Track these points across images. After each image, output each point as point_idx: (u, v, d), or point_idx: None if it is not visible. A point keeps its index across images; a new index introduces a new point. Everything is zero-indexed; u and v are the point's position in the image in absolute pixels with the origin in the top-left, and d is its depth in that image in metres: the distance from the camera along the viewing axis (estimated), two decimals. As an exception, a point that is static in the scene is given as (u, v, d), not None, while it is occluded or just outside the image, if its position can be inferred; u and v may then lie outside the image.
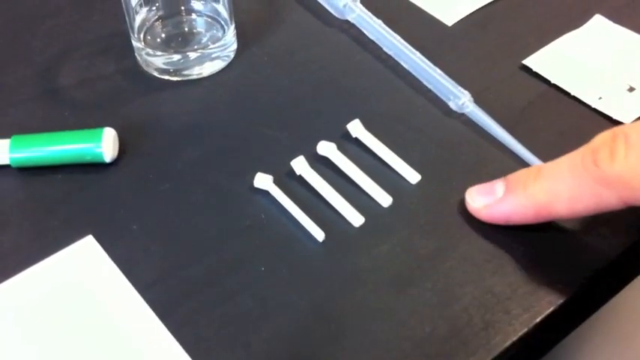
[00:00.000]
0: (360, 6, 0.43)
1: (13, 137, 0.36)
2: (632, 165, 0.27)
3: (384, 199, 0.34)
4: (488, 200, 0.32)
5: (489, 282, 0.31)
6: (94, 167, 0.36)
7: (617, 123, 0.37)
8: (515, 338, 0.29)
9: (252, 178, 0.35)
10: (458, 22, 0.43)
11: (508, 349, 0.29)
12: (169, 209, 0.34)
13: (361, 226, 0.33)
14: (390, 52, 0.41)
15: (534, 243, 0.32)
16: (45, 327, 0.30)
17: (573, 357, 0.49)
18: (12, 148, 0.36)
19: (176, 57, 0.41)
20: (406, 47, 0.40)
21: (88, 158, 0.36)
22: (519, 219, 0.31)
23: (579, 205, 0.29)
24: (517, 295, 0.31)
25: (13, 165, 0.36)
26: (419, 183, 0.35)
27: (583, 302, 0.32)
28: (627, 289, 0.35)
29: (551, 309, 0.30)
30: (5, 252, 0.33)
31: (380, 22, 0.42)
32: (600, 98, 0.38)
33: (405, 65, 0.41)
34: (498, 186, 0.32)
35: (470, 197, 0.33)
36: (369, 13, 0.42)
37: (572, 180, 0.29)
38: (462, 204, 0.34)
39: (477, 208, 0.32)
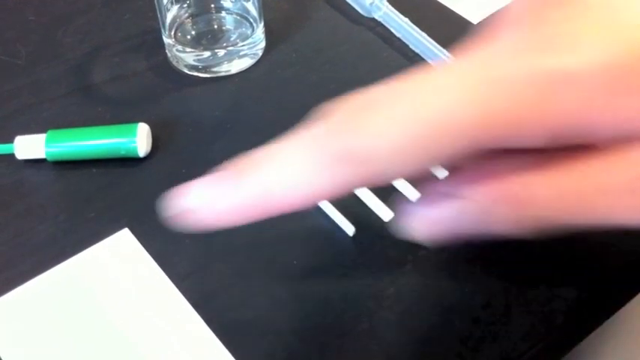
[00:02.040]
0: (387, 4, 0.43)
1: (49, 132, 0.37)
2: (371, 135, 0.20)
3: (413, 194, 0.35)
4: (199, 199, 0.24)
5: (520, 281, 0.32)
6: (128, 162, 0.37)
7: None
8: (540, 345, 0.30)
9: (283, 173, 0.36)
10: (484, 19, 0.44)
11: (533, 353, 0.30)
12: (202, 203, 0.35)
13: (391, 221, 0.34)
14: (416, 50, 0.42)
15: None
16: (82, 317, 0.31)
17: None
18: (48, 143, 0.37)
19: (206, 54, 0.42)
20: (433, 45, 0.41)
21: (123, 153, 0.37)
22: (237, 219, 0.23)
23: (308, 191, 0.22)
24: (539, 305, 0.31)
25: (49, 159, 0.37)
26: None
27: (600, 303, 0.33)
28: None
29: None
30: (42, 244, 0.34)
31: (406, 19, 0.42)
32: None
33: (431, 62, 0.41)
34: (212, 180, 0.24)
35: (177, 198, 0.24)
36: (396, 11, 0.43)
37: (299, 161, 0.22)
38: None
39: (181, 212, 0.23)
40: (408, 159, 0.20)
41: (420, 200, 0.23)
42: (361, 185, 0.22)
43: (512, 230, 0.22)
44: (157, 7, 0.41)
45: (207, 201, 0.23)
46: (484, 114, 0.19)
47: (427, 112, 0.19)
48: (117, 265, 0.33)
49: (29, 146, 0.37)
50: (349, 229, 0.33)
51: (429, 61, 0.41)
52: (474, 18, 0.44)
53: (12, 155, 0.37)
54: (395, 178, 0.22)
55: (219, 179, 0.23)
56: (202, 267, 0.33)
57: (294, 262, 0.33)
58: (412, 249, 0.33)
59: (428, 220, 0.23)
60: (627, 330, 0.48)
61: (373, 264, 0.32)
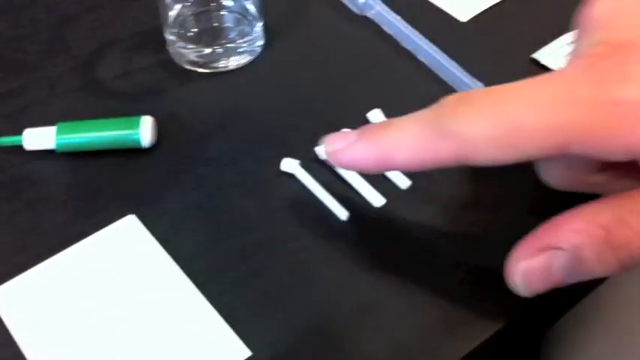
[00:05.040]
0: (379, 2, 0.45)
1: (58, 124, 0.39)
2: (471, 123, 0.27)
3: (403, 182, 0.37)
4: (340, 145, 0.31)
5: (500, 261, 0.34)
6: (133, 152, 0.39)
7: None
8: (522, 310, 0.32)
9: (280, 162, 0.38)
10: (472, 18, 0.46)
11: (514, 320, 0.32)
12: (205, 191, 0.37)
13: (382, 206, 0.36)
14: (407, 47, 0.44)
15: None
16: (91, 297, 0.33)
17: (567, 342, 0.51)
18: (58, 134, 0.39)
19: (206, 50, 0.44)
20: (423, 41, 0.43)
21: (129, 144, 0.39)
22: (362, 165, 0.31)
23: (417, 156, 0.28)
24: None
25: (59, 150, 0.39)
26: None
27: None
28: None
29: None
30: (53, 230, 0.36)
31: (398, 17, 0.44)
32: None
33: (422, 59, 0.43)
34: (354, 133, 0.31)
35: (327, 141, 0.31)
36: (388, 9, 0.45)
37: (415, 131, 0.28)
38: (476, 189, 0.36)
39: (329, 152, 0.31)
40: (497, 149, 0.26)
41: (517, 252, 0.28)
42: (458, 163, 0.27)
43: (610, 272, 0.26)
44: (160, 5, 0.43)
45: (344, 149, 0.30)
46: (569, 125, 0.25)
47: (517, 116, 0.26)
48: (123, 248, 0.35)
49: (39, 138, 0.39)
50: (343, 213, 0.36)
51: (419, 57, 0.43)
52: (462, 16, 0.46)
53: (22, 147, 0.39)
54: (486, 163, 0.27)
55: (355, 134, 0.30)
56: (205, 250, 0.35)
57: (291, 245, 0.35)
58: (403, 234, 0.35)
59: (525, 273, 0.28)
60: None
61: (365, 246, 0.34)
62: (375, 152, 0.29)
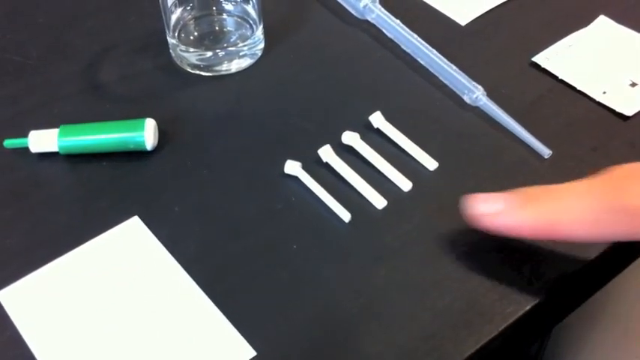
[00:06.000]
0: (379, 7, 0.46)
1: (61, 126, 0.39)
2: None
3: (405, 184, 0.37)
4: (490, 209, 0.31)
5: (499, 262, 0.34)
6: (136, 155, 0.39)
7: (620, 115, 0.40)
8: (527, 307, 0.32)
9: (283, 164, 0.38)
10: (471, 21, 0.46)
11: (520, 318, 0.32)
12: (207, 193, 0.38)
13: (384, 208, 0.36)
14: (408, 50, 0.44)
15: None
16: (97, 298, 0.33)
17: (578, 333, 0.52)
18: (60, 136, 0.39)
19: (208, 54, 0.44)
20: (423, 45, 0.43)
21: (132, 146, 0.39)
22: (523, 232, 0.31)
23: (593, 229, 0.29)
24: (525, 271, 0.33)
25: (62, 152, 0.39)
26: (437, 170, 0.38)
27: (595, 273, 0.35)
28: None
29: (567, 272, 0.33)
30: (57, 232, 0.36)
31: (398, 21, 0.45)
32: (604, 92, 0.41)
33: (422, 62, 0.44)
34: (502, 197, 0.31)
35: (471, 204, 0.32)
36: (388, 14, 0.45)
37: (588, 204, 0.29)
38: (476, 190, 0.37)
39: (477, 215, 0.31)
40: None
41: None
42: (623, 238, 0.29)
43: None
44: (162, 9, 0.43)
45: (495, 213, 0.31)
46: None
47: None
48: (128, 249, 0.35)
49: (42, 140, 0.39)
50: (345, 215, 0.36)
51: (419, 60, 0.44)
52: (462, 20, 0.47)
53: (27, 149, 0.39)
54: None
55: (509, 199, 0.31)
56: (208, 252, 0.35)
57: (294, 246, 0.35)
58: (405, 235, 0.35)
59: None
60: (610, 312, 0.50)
61: (368, 247, 0.35)
62: (539, 224, 0.30)
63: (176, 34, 0.45)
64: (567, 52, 0.44)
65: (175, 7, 0.44)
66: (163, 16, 0.44)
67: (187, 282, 0.34)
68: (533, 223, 0.30)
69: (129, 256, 0.35)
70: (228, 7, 0.46)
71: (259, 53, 0.45)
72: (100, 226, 0.36)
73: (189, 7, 0.45)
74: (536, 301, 0.32)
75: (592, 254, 0.34)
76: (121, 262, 0.35)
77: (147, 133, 0.39)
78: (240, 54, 0.44)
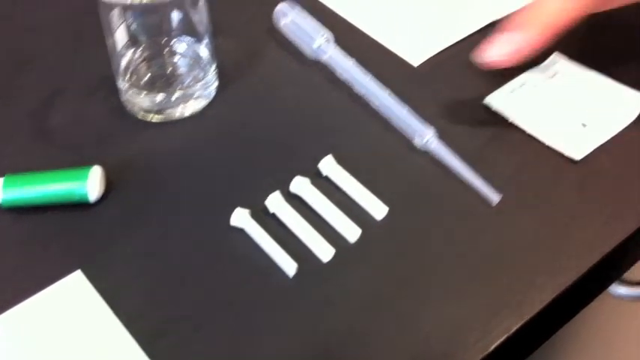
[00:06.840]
0: (333, 47, 0.45)
1: (5, 176, 0.38)
2: None
3: (354, 232, 0.37)
4: (508, 48, 0.39)
5: (456, 304, 0.34)
6: (81, 205, 0.38)
7: (568, 159, 0.40)
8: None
9: (232, 212, 0.37)
10: (423, 62, 0.46)
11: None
12: (153, 246, 0.37)
13: (333, 257, 0.36)
14: (360, 92, 0.44)
15: (495, 270, 0.35)
16: (36, 357, 0.33)
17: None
18: (5, 188, 0.38)
19: (160, 97, 0.43)
20: (375, 88, 0.43)
21: (76, 198, 0.38)
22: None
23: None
24: (484, 316, 0.33)
25: (4, 205, 0.38)
26: (387, 215, 0.38)
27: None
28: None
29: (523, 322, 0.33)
30: (-1, 286, 0.35)
31: (352, 62, 0.45)
32: (554, 134, 0.41)
33: (375, 103, 0.43)
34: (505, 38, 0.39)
35: (492, 48, 0.39)
36: (341, 54, 0.45)
37: None
38: (427, 233, 0.37)
39: (500, 54, 0.40)
40: None
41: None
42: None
43: None
44: (110, 53, 0.43)
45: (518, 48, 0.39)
46: None
47: None
48: (69, 306, 0.34)
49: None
50: (291, 268, 0.35)
51: (372, 102, 0.43)
52: (414, 61, 0.46)
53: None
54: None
55: (508, 36, 0.39)
56: (152, 305, 0.34)
57: (239, 300, 0.34)
58: (351, 284, 0.35)
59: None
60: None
61: (316, 298, 0.34)
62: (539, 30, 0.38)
63: (127, 78, 0.44)
64: (520, 91, 0.43)
65: (126, 49, 0.44)
66: (113, 60, 0.43)
67: (127, 340, 0.33)
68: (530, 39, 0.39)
69: (70, 313, 0.34)
70: (180, 48, 0.45)
71: (213, 93, 0.45)
72: (43, 280, 0.35)
73: (140, 49, 0.45)
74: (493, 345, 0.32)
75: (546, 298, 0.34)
76: (61, 320, 0.34)
77: (90, 183, 0.38)
78: (195, 96, 0.44)
